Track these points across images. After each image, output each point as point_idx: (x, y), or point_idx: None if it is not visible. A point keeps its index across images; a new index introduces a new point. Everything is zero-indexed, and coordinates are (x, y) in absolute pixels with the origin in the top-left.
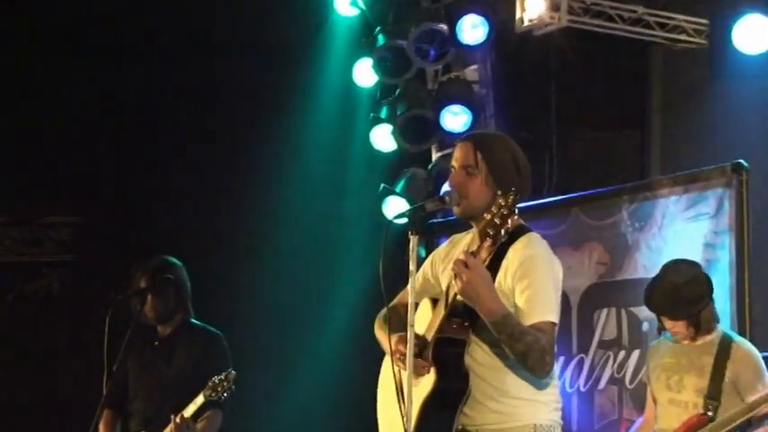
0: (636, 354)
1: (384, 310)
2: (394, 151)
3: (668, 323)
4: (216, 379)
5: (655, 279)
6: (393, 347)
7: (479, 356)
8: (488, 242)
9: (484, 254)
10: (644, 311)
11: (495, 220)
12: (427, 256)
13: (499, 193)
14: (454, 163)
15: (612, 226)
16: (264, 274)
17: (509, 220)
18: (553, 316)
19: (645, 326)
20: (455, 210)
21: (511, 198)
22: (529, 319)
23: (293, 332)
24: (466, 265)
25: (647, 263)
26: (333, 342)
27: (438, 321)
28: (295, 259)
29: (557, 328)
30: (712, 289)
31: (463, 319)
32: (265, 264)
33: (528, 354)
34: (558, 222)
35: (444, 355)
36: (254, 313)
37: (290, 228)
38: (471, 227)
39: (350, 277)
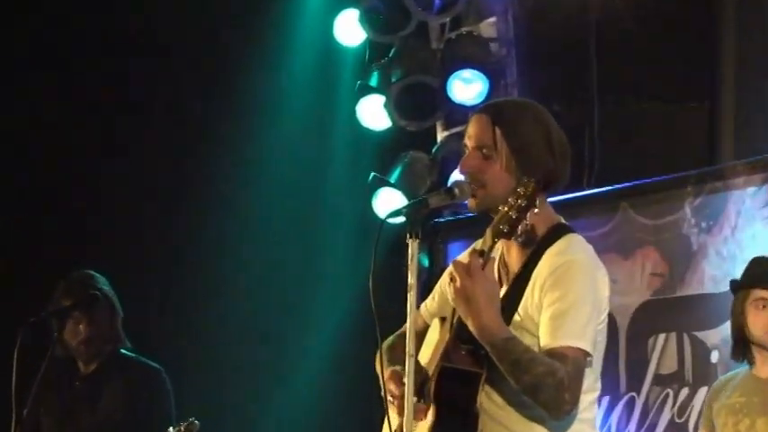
0: (702, 392)
1: (390, 340)
2: (387, 130)
3: (757, 306)
4: (173, 431)
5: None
6: (384, 386)
7: (498, 396)
8: (503, 243)
9: (515, 265)
10: (713, 337)
11: (511, 213)
12: (431, 264)
13: (525, 179)
14: (467, 141)
15: (672, 226)
16: (223, 288)
17: (528, 214)
18: (583, 342)
19: (714, 355)
20: (470, 203)
21: (531, 186)
22: (550, 342)
23: (262, 361)
24: (467, 268)
25: (717, 273)
26: (312, 371)
27: (442, 346)
28: (263, 269)
29: (589, 359)
30: None
31: (476, 344)
32: (224, 275)
33: (539, 388)
34: (601, 222)
35: (447, 392)
36: (210, 339)
37: (256, 229)
38: None
39: (333, 291)
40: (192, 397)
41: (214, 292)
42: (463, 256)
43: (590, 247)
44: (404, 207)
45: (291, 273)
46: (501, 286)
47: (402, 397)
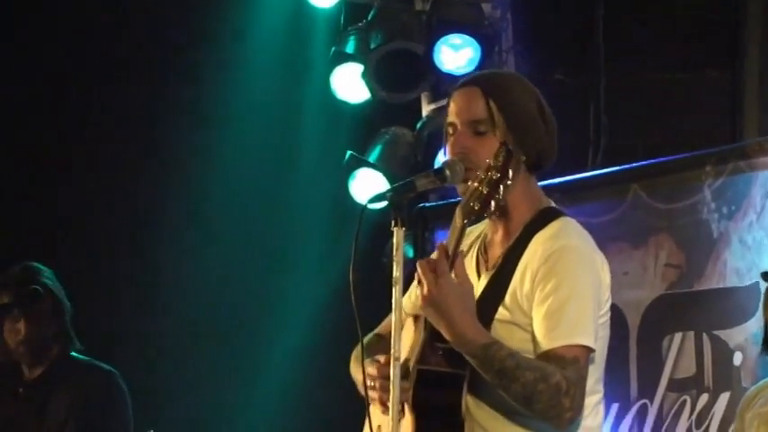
0: (724, 398)
1: (366, 340)
2: (365, 102)
3: None
4: None
5: None
6: (364, 373)
7: (485, 401)
8: (486, 226)
9: (498, 253)
10: (736, 337)
11: (482, 188)
12: (416, 255)
13: (523, 158)
14: (454, 119)
15: (689, 211)
16: (186, 280)
17: (501, 188)
18: (584, 337)
19: (737, 357)
20: (460, 189)
21: (502, 155)
22: (546, 343)
23: (229, 360)
24: (434, 269)
25: (741, 264)
26: (284, 368)
27: (418, 347)
28: (229, 258)
29: (592, 355)
30: None
31: None
32: (186, 264)
33: (531, 398)
34: (608, 207)
35: (427, 399)
36: (173, 337)
37: (219, 214)
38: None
39: (306, 283)
40: (152, 400)
41: (176, 283)
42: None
43: (585, 232)
44: (388, 191)
45: (261, 262)
46: (479, 276)
47: (385, 378)
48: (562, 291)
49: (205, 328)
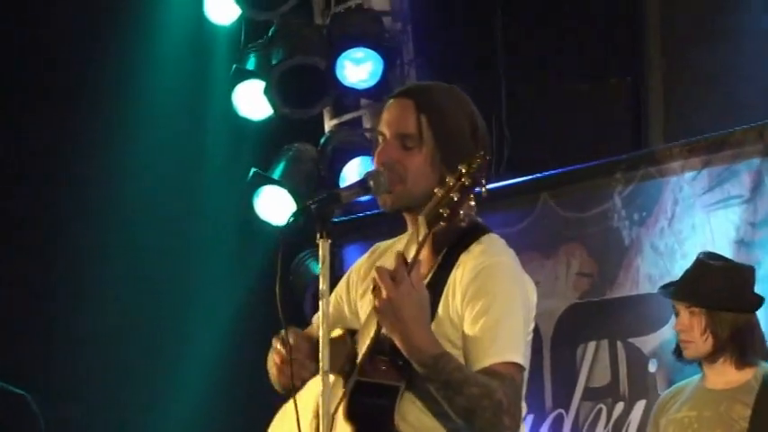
0: (640, 406)
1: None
2: (268, 119)
3: (679, 320)
4: None
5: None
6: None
7: (413, 415)
8: (408, 241)
9: (424, 269)
10: (650, 344)
11: (453, 195)
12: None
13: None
14: (384, 129)
15: (600, 219)
16: (87, 301)
17: (470, 196)
18: (518, 355)
19: (652, 365)
20: (383, 200)
21: (476, 163)
22: (481, 360)
23: (134, 380)
24: (393, 276)
25: (653, 272)
26: (188, 389)
27: (359, 359)
28: (132, 280)
29: (525, 372)
30: (760, 302)
31: (394, 356)
32: (87, 287)
33: (474, 412)
34: (517, 217)
35: (365, 410)
36: (78, 358)
37: (122, 235)
38: (399, 229)
39: (211, 302)
40: (61, 424)
41: (79, 304)
42: (362, 263)
43: (512, 250)
44: (312, 203)
45: (165, 280)
46: None
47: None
48: (495, 308)
49: (107, 345)
